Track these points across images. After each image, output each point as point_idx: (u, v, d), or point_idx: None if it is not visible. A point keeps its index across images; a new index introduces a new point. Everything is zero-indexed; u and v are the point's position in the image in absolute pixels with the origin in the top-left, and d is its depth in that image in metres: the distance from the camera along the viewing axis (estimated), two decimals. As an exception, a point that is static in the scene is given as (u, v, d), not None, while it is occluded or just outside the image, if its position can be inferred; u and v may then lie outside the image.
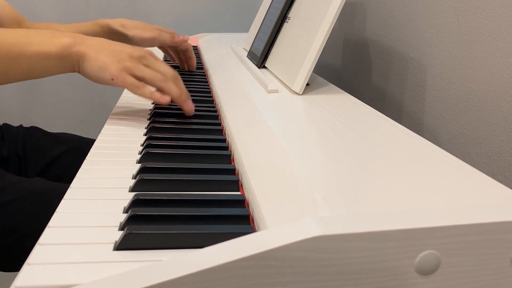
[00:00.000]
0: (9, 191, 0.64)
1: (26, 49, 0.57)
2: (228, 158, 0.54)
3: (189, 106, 0.64)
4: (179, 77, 0.65)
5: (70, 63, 0.60)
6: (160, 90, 0.62)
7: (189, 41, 0.95)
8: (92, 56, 0.59)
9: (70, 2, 1.49)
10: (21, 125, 0.88)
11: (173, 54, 0.98)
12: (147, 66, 0.62)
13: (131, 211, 0.40)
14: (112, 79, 0.59)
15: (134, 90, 0.61)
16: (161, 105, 0.63)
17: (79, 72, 0.62)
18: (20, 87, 1.55)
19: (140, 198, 0.42)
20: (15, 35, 0.58)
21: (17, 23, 0.88)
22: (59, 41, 0.59)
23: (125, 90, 0.82)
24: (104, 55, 0.60)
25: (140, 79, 0.61)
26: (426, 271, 0.30)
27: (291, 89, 0.68)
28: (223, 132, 0.63)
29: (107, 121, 0.65)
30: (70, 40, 0.59)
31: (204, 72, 0.98)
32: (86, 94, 1.61)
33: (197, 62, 1.08)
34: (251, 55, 0.91)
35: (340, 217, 0.29)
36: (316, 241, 0.28)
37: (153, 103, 0.74)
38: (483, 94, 0.66)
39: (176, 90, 0.62)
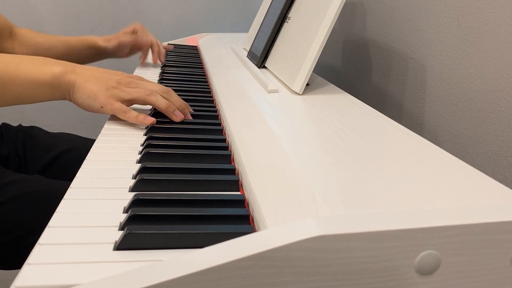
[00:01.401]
0: (9, 189, 0.64)
1: (17, 75, 0.58)
2: (228, 158, 0.54)
3: (178, 117, 0.64)
4: (171, 91, 0.66)
5: (61, 92, 0.61)
6: (148, 103, 0.63)
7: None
8: (82, 86, 0.60)
9: (71, 1, 1.49)
10: (20, 125, 0.88)
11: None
12: (135, 88, 0.64)
13: (131, 211, 0.40)
14: (102, 107, 0.61)
15: (121, 115, 0.62)
16: (147, 124, 0.63)
17: (70, 100, 0.63)
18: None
19: (140, 198, 0.42)
20: (6, 61, 0.59)
21: (9, 30, 0.91)
22: (50, 69, 0.60)
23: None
24: (92, 84, 0.61)
25: (128, 101, 0.63)
26: (426, 271, 0.30)
27: (291, 89, 0.68)
28: (223, 132, 0.63)
29: (107, 121, 0.65)
30: (61, 68, 0.60)
31: (204, 72, 0.98)
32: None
33: (197, 62, 1.08)
34: (251, 55, 0.91)
35: (340, 217, 0.29)
36: (316, 241, 0.28)
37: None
38: (483, 94, 0.66)
39: (163, 102, 0.63)
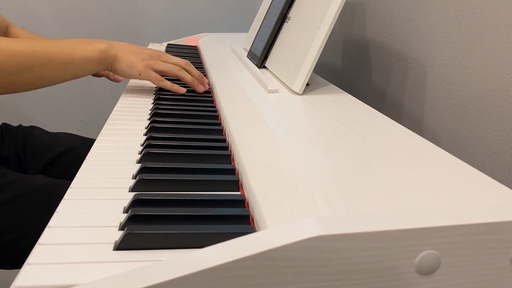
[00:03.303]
0: (10, 188, 0.64)
1: (74, 56, 0.69)
2: (228, 158, 0.54)
3: (200, 89, 0.80)
4: (190, 64, 0.80)
5: (105, 64, 0.73)
6: (177, 77, 0.78)
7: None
8: (122, 57, 0.73)
9: (71, 1, 1.49)
10: (20, 125, 0.88)
11: None
12: (164, 61, 0.77)
13: (131, 211, 0.40)
14: (140, 74, 0.74)
15: (158, 83, 0.76)
16: (180, 93, 0.78)
17: (110, 70, 0.74)
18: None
19: (140, 198, 0.42)
20: (60, 45, 0.69)
21: (5, 28, 0.92)
22: (96, 47, 0.71)
23: (124, 91, 0.83)
24: (130, 56, 0.74)
25: (160, 72, 0.76)
26: (426, 271, 0.30)
27: (291, 89, 0.68)
28: (223, 132, 0.63)
29: (107, 121, 0.66)
30: (104, 45, 0.72)
31: (204, 72, 0.98)
32: (86, 95, 1.61)
33: (197, 62, 1.08)
34: (251, 55, 0.91)
35: (340, 217, 0.29)
36: (316, 241, 0.28)
37: (152, 103, 0.75)
38: (483, 94, 0.66)
39: (189, 77, 0.78)
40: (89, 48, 0.71)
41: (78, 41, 0.71)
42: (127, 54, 0.73)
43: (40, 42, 0.67)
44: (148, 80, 0.75)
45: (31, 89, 0.68)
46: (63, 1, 1.49)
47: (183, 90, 0.78)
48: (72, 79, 0.71)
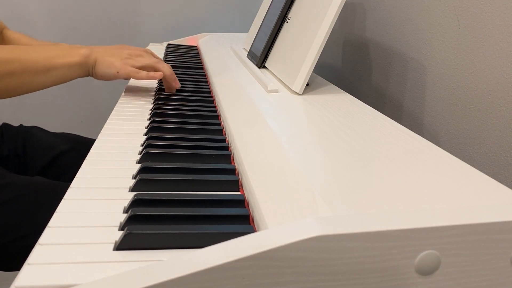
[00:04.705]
0: (9, 190, 0.64)
1: (55, 62, 0.69)
2: (228, 158, 0.54)
3: (178, 85, 0.80)
4: (169, 66, 0.80)
5: (87, 69, 0.72)
6: (156, 69, 0.77)
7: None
8: (101, 59, 0.73)
9: (72, 0, 1.49)
10: (21, 125, 0.88)
11: None
12: (143, 58, 0.77)
13: (131, 211, 0.40)
14: (118, 72, 0.73)
15: (134, 76, 0.75)
16: (156, 79, 0.76)
17: (91, 75, 0.73)
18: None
19: (140, 198, 0.42)
20: (41, 51, 0.69)
21: (0, 30, 0.91)
22: (78, 52, 0.71)
23: (124, 91, 0.83)
24: (109, 57, 0.74)
25: (139, 68, 0.75)
26: (426, 271, 0.30)
27: (291, 89, 0.68)
28: (223, 132, 0.63)
29: (107, 121, 0.66)
30: (85, 50, 0.72)
31: (204, 72, 0.98)
32: (86, 95, 1.61)
33: (197, 62, 1.08)
34: (251, 55, 0.91)
35: (340, 217, 0.29)
36: (316, 241, 0.28)
37: (152, 103, 0.75)
38: (483, 94, 0.66)
39: (168, 69, 0.78)
40: (70, 53, 0.71)
41: (59, 47, 0.72)
42: (106, 56, 0.73)
43: (20, 49, 0.67)
44: (127, 76, 0.74)
45: (13, 96, 0.68)
46: (61, 1, 1.49)
47: (159, 74, 0.76)
48: (55, 84, 0.71)
